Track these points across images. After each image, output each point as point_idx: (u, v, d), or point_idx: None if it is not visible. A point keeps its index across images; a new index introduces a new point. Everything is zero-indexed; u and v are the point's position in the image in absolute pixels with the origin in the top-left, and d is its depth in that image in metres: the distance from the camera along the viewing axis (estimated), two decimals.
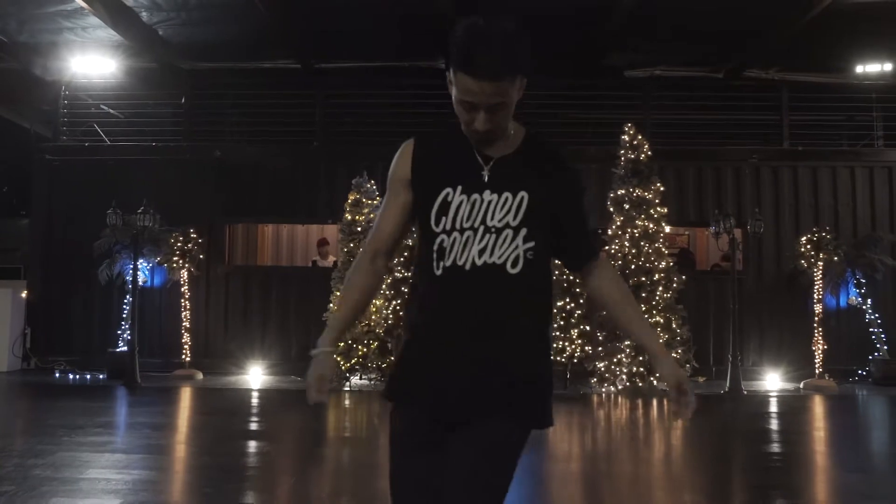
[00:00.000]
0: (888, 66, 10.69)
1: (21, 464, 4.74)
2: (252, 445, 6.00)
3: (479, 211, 1.89)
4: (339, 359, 8.87)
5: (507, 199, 1.89)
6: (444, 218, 1.90)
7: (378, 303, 8.85)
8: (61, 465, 4.73)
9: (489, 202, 1.89)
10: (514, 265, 1.88)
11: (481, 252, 1.87)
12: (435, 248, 1.91)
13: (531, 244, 1.89)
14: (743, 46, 10.74)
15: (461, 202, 1.90)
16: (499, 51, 1.79)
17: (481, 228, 1.88)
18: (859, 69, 10.76)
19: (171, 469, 5.19)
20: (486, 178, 1.91)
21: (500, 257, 1.88)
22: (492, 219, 1.88)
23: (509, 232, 1.88)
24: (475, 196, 1.90)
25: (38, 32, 11.26)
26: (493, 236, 1.87)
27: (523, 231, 1.89)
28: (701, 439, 6.40)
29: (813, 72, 11.47)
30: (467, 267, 1.87)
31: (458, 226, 1.89)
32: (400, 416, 1.96)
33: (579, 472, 5.20)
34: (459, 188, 1.91)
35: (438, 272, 1.89)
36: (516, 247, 1.89)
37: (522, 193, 1.90)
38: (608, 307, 2.07)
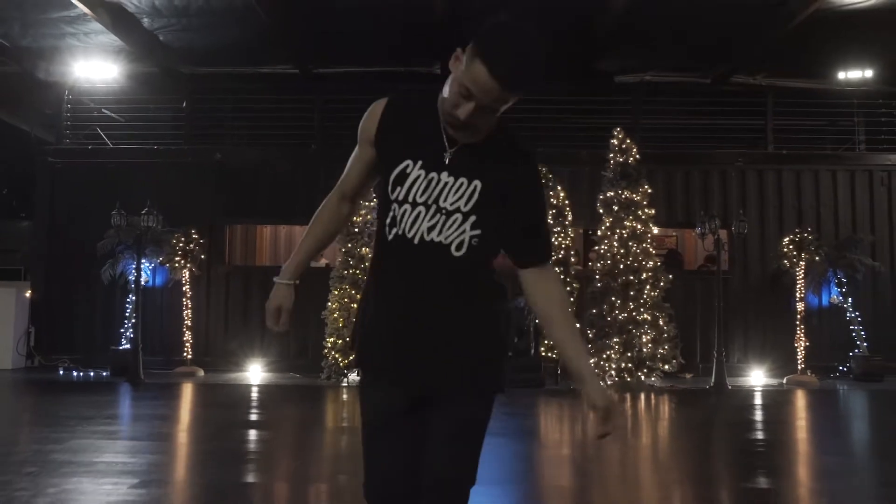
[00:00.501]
0: (869, 73, 11.04)
1: (40, 449, 4.99)
2: (253, 434, 6.26)
3: (433, 190, 1.94)
4: (337, 356, 9.14)
5: (462, 184, 1.94)
6: (399, 188, 1.96)
7: None
8: (78, 450, 4.98)
9: (445, 183, 1.94)
10: (458, 248, 1.94)
11: (430, 229, 1.93)
12: (388, 214, 1.98)
13: (477, 232, 1.94)
14: (730, 53, 11.06)
15: (418, 177, 1.95)
16: (526, 71, 1.85)
17: (433, 207, 1.94)
18: (841, 75, 11.11)
19: (180, 454, 5.46)
20: (447, 161, 1.95)
21: (446, 238, 1.94)
22: (444, 200, 1.94)
23: (458, 216, 1.94)
24: (433, 175, 1.94)
25: (40, 37, 11.48)
26: (443, 217, 1.93)
27: (472, 218, 1.94)
28: (686, 429, 6.69)
29: (798, 78, 11.83)
30: (416, 241, 1.94)
31: (410, 199, 1.95)
32: (369, 396, 2.05)
33: (569, 457, 5.47)
34: (420, 163, 1.95)
35: (390, 237, 1.97)
36: (463, 231, 1.94)
37: (476, 182, 1.94)
38: (543, 321, 2.05)
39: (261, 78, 11.83)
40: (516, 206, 1.97)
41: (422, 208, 1.94)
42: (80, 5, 10.14)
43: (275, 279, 2.14)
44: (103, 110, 11.68)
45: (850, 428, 7.22)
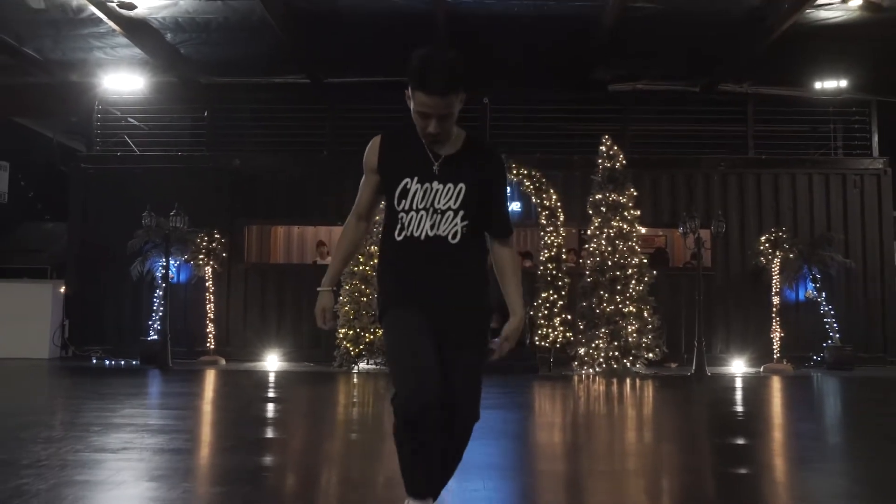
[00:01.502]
0: (843, 83, 11.81)
1: (99, 416, 5.82)
2: (272, 406, 7.08)
3: (430, 196, 2.55)
4: (348, 345, 9.95)
5: (449, 188, 2.55)
6: (403, 200, 2.56)
7: None
8: (130, 416, 5.82)
9: (437, 190, 2.55)
10: (454, 237, 2.56)
11: (432, 227, 2.54)
12: (397, 222, 2.59)
13: (466, 223, 2.56)
14: (717, 63, 11.85)
15: (416, 189, 2.55)
16: (443, 75, 2.41)
17: (431, 210, 2.54)
18: (818, 85, 11.89)
19: (214, 418, 6.32)
20: (437, 171, 2.56)
21: (444, 231, 2.55)
22: (438, 203, 2.55)
23: (451, 213, 2.55)
24: (427, 185, 2.55)
25: (70, 51, 12.35)
26: (439, 216, 2.54)
27: (461, 213, 2.55)
28: (668, 408, 7.47)
29: (780, 86, 12.61)
30: (422, 237, 2.55)
31: (414, 206, 2.55)
32: (396, 314, 2.61)
33: (561, 434, 6.22)
34: (416, 178, 2.56)
35: (399, 238, 2.58)
36: (455, 224, 2.56)
37: (461, 185, 2.55)
38: (498, 274, 2.74)
39: (275, 88, 12.66)
40: (490, 196, 2.62)
41: (423, 212, 2.54)
42: (110, 23, 11.01)
43: (318, 289, 2.74)
44: (129, 119, 12.52)
45: (822, 405, 7.97)
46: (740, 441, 5.47)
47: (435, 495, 2.69)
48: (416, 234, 2.56)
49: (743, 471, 4.41)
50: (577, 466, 4.62)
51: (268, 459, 4.54)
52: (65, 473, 3.86)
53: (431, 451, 2.54)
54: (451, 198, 2.54)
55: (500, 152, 2.79)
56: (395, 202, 2.57)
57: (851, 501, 3.71)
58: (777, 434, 5.98)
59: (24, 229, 15.66)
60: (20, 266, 14.16)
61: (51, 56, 12.59)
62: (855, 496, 3.79)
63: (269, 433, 5.59)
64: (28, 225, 16.30)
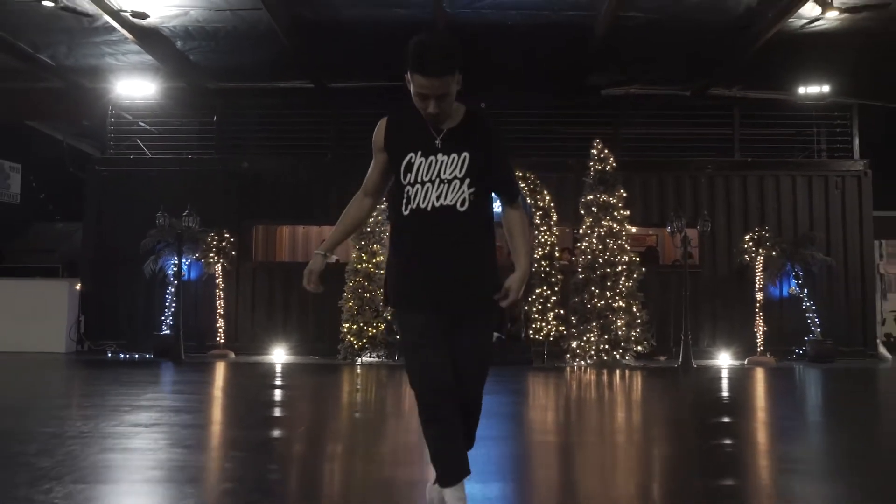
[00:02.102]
0: (826, 88, 12.33)
1: (126, 398, 6.34)
2: (280, 392, 7.60)
3: (435, 168, 2.62)
4: (352, 339, 10.44)
5: (454, 158, 2.61)
6: (409, 174, 2.63)
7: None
8: (155, 398, 6.34)
9: (441, 161, 2.62)
10: (462, 205, 2.62)
11: (438, 197, 2.61)
12: (403, 195, 2.65)
13: (473, 189, 2.63)
14: (706, 68, 12.36)
15: (421, 163, 2.62)
16: (440, 57, 2.49)
17: (437, 181, 2.61)
18: (802, 90, 12.40)
19: (228, 401, 6.87)
20: (439, 145, 2.63)
21: (451, 200, 2.61)
22: (444, 173, 2.61)
23: (457, 181, 2.61)
24: (431, 158, 2.62)
25: (82, 57, 12.84)
26: (446, 185, 2.61)
27: (467, 180, 2.61)
28: (652, 393, 7.97)
29: (766, 90, 13.13)
30: (429, 209, 2.61)
31: (419, 179, 2.62)
32: (409, 319, 2.69)
33: (553, 414, 6.73)
34: (419, 153, 2.62)
35: (406, 213, 2.65)
36: (462, 191, 2.62)
37: (465, 154, 2.62)
38: (507, 234, 2.80)
39: (280, 93, 13.16)
40: (493, 163, 2.69)
41: (429, 184, 2.61)
42: (123, 31, 11.50)
43: (315, 251, 2.80)
44: (140, 123, 13.02)
45: (802, 392, 8.46)
46: (718, 419, 5.97)
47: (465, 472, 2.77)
48: (422, 206, 2.62)
49: (725, 441, 4.91)
50: (567, 439, 5.13)
51: (277, 432, 5.07)
52: (107, 442, 4.37)
53: (455, 436, 2.67)
54: (455, 167, 2.62)
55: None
56: (402, 177, 2.66)
57: (813, 464, 4.21)
58: (753, 414, 6.49)
59: (35, 229, 16.10)
60: (32, 265, 14.61)
61: (64, 62, 13.08)
62: (819, 459, 4.29)
63: (278, 412, 6.11)
64: (39, 225, 16.74)
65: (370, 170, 2.81)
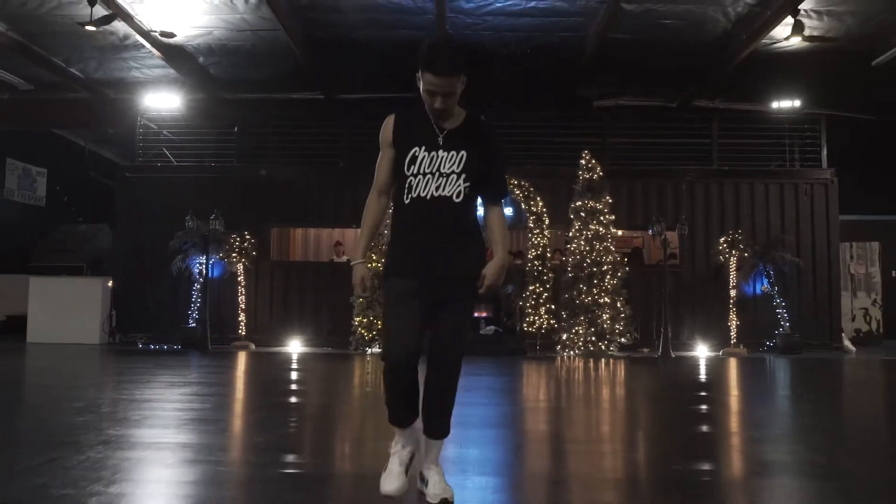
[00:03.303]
0: (797, 103, 13.41)
1: (173, 378, 7.38)
2: (296, 374, 8.66)
3: (436, 162, 2.87)
4: (363, 331, 11.50)
5: (452, 155, 2.88)
6: (413, 166, 2.88)
7: None
8: (197, 381, 7.38)
9: (442, 157, 2.88)
10: (457, 196, 2.89)
11: (437, 188, 2.87)
12: (406, 185, 2.90)
13: (468, 184, 2.90)
14: (689, 82, 13.43)
15: (424, 157, 2.88)
16: (448, 58, 2.77)
17: (437, 174, 2.87)
18: (775, 104, 13.48)
19: (252, 381, 7.92)
20: (441, 142, 2.90)
21: (448, 191, 2.87)
22: (443, 167, 2.88)
23: (454, 176, 2.88)
24: (433, 153, 2.88)
25: (110, 70, 13.88)
26: (444, 179, 2.87)
27: (463, 175, 2.88)
28: (631, 377, 9.01)
29: (745, 102, 14.22)
30: (428, 197, 2.87)
31: (421, 171, 2.88)
32: (395, 282, 2.96)
33: (544, 391, 7.78)
34: (423, 147, 2.89)
35: (407, 200, 2.91)
36: (458, 185, 2.88)
37: (463, 152, 2.89)
38: (487, 226, 3.08)
39: (294, 105, 14.21)
40: (487, 164, 2.97)
41: (430, 176, 2.88)
42: (152, 49, 12.56)
43: (351, 263, 3.06)
44: (165, 133, 14.06)
45: (770, 377, 9.48)
46: (690, 393, 7.03)
47: (444, 432, 3.12)
48: (423, 195, 2.89)
49: (701, 408, 5.97)
50: (556, 404, 6.19)
51: (296, 399, 6.12)
52: (180, 408, 5.42)
53: (404, 391, 2.97)
54: (454, 163, 2.90)
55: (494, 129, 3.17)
56: (406, 168, 2.91)
57: (771, 427, 5.26)
58: (722, 390, 7.53)
59: (60, 231, 17.02)
60: (58, 264, 15.58)
61: (93, 75, 14.13)
62: (776, 423, 5.35)
63: (296, 387, 7.17)
64: (64, 227, 17.74)
65: (379, 165, 3.03)
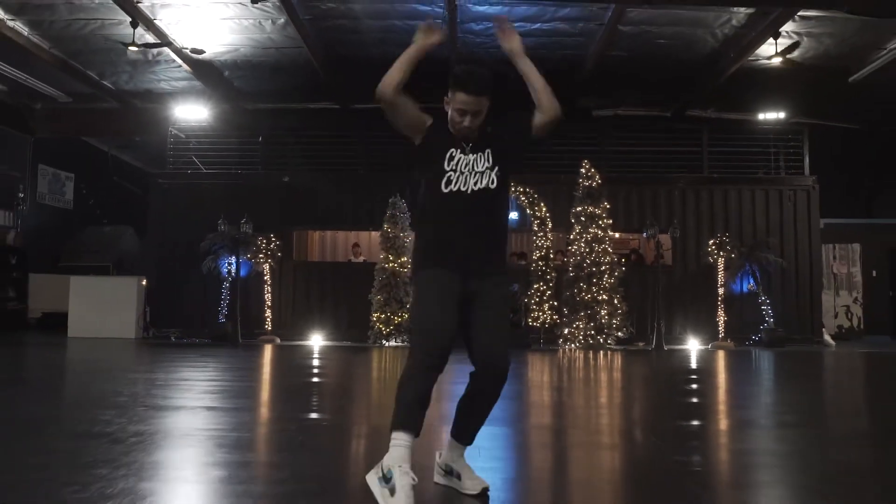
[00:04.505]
0: (781, 114, 14.43)
1: (215, 362, 8.37)
2: (317, 361, 9.64)
3: (470, 163, 3.11)
4: (380, 326, 12.48)
5: (480, 155, 3.13)
6: (451, 163, 3.10)
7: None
8: (234, 367, 8.36)
9: (474, 158, 3.13)
10: (492, 184, 3.11)
11: (475, 183, 3.09)
12: (444, 178, 3.08)
13: (498, 172, 3.13)
14: (682, 94, 14.44)
15: (461, 157, 3.12)
16: (480, 79, 3.07)
17: (474, 172, 3.11)
18: (762, 115, 14.50)
19: (280, 368, 8.87)
20: (471, 147, 3.13)
21: (485, 184, 3.10)
22: (477, 166, 3.12)
23: (487, 171, 3.12)
24: (468, 156, 3.12)
25: (140, 82, 14.89)
26: (480, 175, 3.11)
27: (495, 168, 3.13)
28: (626, 366, 10.01)
29: (734, 112, 15.24)
30: (468, 192, 3.08)
31: (459, 168, 3.11)
32: (432, 273, 3.04)
33: (549, 376, 8.76)
34: (458, 150, 3.12)
35: (445, 191, 3.08)
36: (492, 177, 3.12)
37: (488, 149, 3.14)
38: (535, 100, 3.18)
39: (313, 115, 15.22)
40: (509, 134, 3.21)
41: (467, 174, 3.11)
42: (183, 64, 13.55)
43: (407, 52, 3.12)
44: (193, 143, 15.03)
45: (754, 365, 10.47)
46: (680, 377, 8.03)
47: (470, 441, 3.18)
48: (463, 189, 3.09)
49: (691, 387, 6.96)
50: (560, 385, 7.18)
51: (318, 379, 7.11)
52: (223, 390, 6.42)
53: (427, 389, 2.90)
54: (485, 160, 3.16)
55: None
56: (445, 164, 3.12)
57: (749, 402, 6.27)
58: (709, 377, 8.53)
59: (86, 232, 17.90)
60: (86, 264, 16.49)
61: (124, 87, 15.14)
62: (754, 402, 6.35)
63: (319, 370, 8.18)
64: (90, 228, 18.64)
65: (411, 103, 3.16)
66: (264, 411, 5.56)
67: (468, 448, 3.22)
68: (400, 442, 2.84)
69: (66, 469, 3.43)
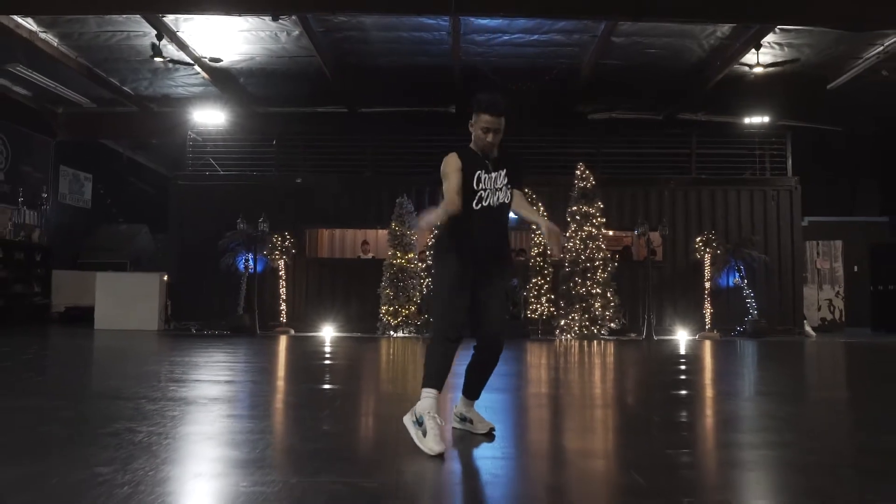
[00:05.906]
0: (766, 119, 15.28)
1: (249, 350, 9.20)
2: (329, 351, 10.43)
3: (492, 181, 3.82)
4: (389, 318, 13.33)
5: (499, 174, 3.85)
6: (480, 183, 3.79)
7: (413, 282, 13.36)
8: (255, 353, 9.19)
9: (495, 177, 3.84)
10: (507, 199, 3.86)
11: (497, 198, 3.83)
12: (475, 197, 3.77)
13: (509, 190, 3.88)
14: (673, 99, 15.27)
15: (486, 177, 3.81)
16: (500, 103, 3.79)
17: (495, 188, 3.83)
18: (747, 119, 15.35)
19: (296, 356, 9.67)
20: (491, 167, 3.84)
21: (503, 199, 3.85)
22: (497, 184, 3.84)
23: (504, 188, 3.85)
24: (491, 175, 3.83)
25: (158, 87, 15.68)
26: (500, 192, 3.84)
27: (507, 185, 3.86)
28: (618, 353, 10.86)
29: (721, 116, 16.08)
30: (494, 206, 3.82)
31: (486, 187, 3.81)
32: (454, 261, 3.79)
33: (546, 361, 9.59)
34: (483, 171, 3.81)
35: (477, 208, 3.78)
36: (507, 193, 3.87)
37: (503, 171, 3.86)
38: (520, 205, 3.93)
39: (319, 117, 16.03)
40: (518, 174, 3.94)
41: (490, 190, 3.82)
42: (201, 72, 14.35)
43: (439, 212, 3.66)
44: (209, 146, 15.85)
45: (738, 353, 11.33)
46: (667, 362, 8.87)
47: (476, 397, 4.06)
48: (491, 204, 3.81)
49: (678, 367, 7.81)
50: (555, 370, 8.03)
51: (331, 361, 7.94)
52: (251, 375, 7.25)
53: (452, 360, 3.73)
54: (502, 179, 3.88)
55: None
56: (475, 185, 3.79)
57: (732, 382, 7.12)
58: (692, 362, 9.38)
59: (103, 231, 18.69)
60: (105, 261, 17.28)
61: (143, 93, 15.93)
62: (738, 383, 7.20)
63: (331, 355, 9.02)
64: (107, 227, 19.42)
65: (451, 185, 3.74)
66: (295, 382, 6.46)
67: (476, 403, 4.09)
68: (428, 394, 3.66)
69: (144, 420, 4.29)
